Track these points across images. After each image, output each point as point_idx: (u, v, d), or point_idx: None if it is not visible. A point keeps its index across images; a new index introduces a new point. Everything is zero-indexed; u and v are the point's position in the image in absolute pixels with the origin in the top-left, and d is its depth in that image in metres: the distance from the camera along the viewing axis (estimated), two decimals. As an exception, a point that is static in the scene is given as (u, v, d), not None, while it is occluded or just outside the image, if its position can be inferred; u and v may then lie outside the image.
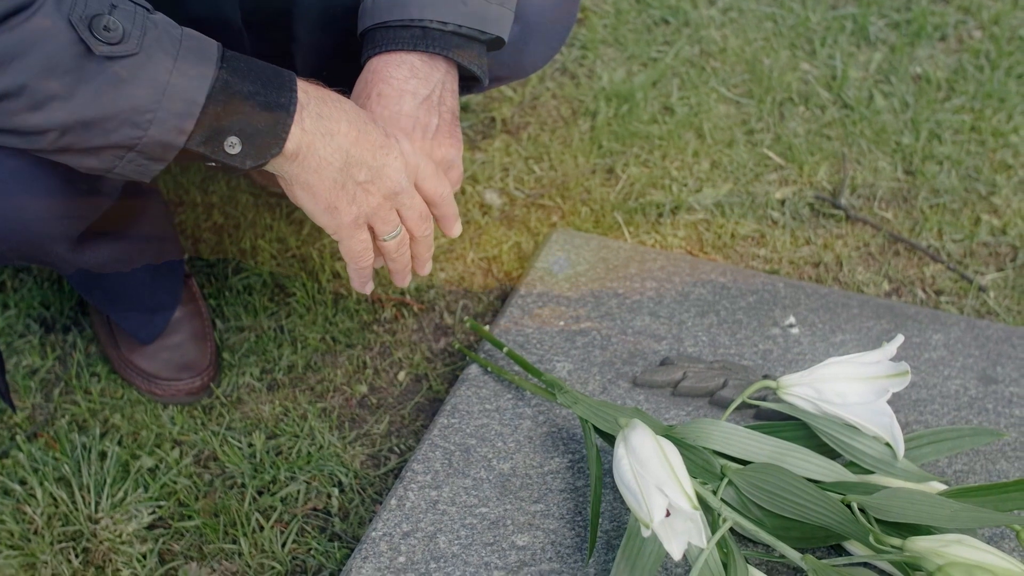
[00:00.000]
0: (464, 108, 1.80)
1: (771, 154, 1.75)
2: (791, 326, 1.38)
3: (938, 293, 1.55)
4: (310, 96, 0.93)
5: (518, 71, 1.24)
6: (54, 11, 0.80)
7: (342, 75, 1.10)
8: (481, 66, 1.06)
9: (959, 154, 1.75)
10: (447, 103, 1.04)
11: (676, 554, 0.95)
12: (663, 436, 1.04)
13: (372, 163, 0.96)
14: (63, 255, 1.04)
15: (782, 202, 1.67)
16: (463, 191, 1.65)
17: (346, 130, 0.94)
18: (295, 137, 0.91)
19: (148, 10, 0.86)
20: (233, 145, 0.89)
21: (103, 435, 1.32)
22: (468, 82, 1.09)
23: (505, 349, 1.28)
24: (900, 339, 1.10)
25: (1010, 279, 1.57)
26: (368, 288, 1.10)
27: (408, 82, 1.01)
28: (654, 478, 0.95)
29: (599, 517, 1.11)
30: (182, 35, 0.87)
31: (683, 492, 0.93)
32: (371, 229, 1.02)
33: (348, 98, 1.05)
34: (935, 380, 1.33)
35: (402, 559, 1.09)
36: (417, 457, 1.19)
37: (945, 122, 1.81)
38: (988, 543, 1.05)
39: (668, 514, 0.94)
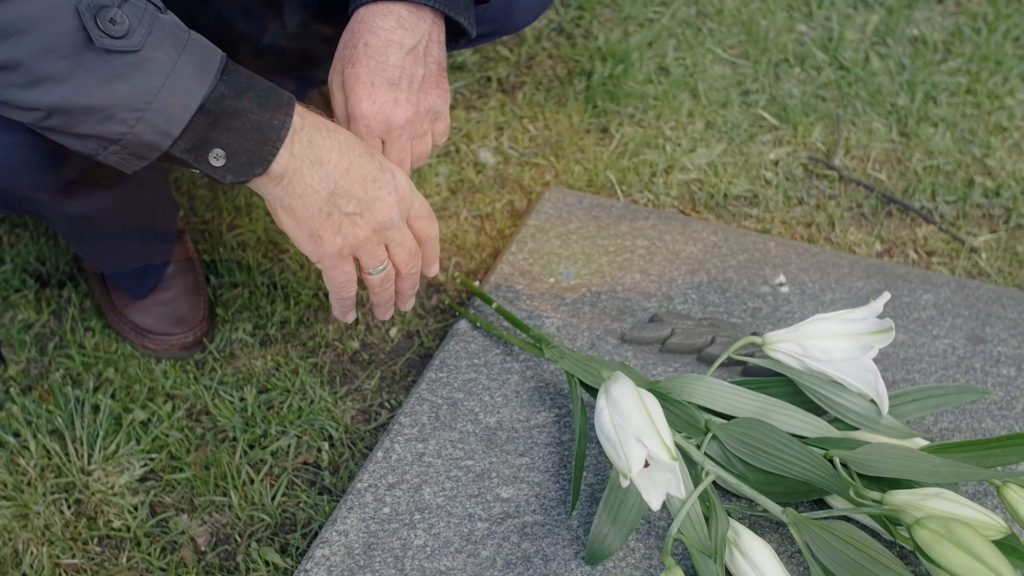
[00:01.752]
0: (460, 67, 1.79)
1: (766, 115, 1.74)
2: (781, 285, 1.38)
3: (930, 254, 1.55)
4: (306, 122, 0.93)
5: (509, 25, 1.23)
6: None
7: (329, 26, 1.10)
8: (468, 18, 1.05)
9: (954, 116, 1.75)
10: (433, 54, 1.04)
11: (655, 505, 0.96)
12: (648, 390, 1.05)
13: (362, 196, 0.96)
14: (47, 203, 1.05)
15: (776, 162, 1.67)
16: (456, 149, 1.65)
17: (337, 160, 0.94)
18: (282, 160, 0.91)
19: (159, 8, 0.85)
20: (218, 157, 0.89)
21: (96, 389, 1.33)
22: (456, 35, 1.09)
23: (494, 304, 1.29)
24: (886, 296, 1.10)
25: (1002, 241, 1.57)
26: (350, 318, 1.11)
27: (395, 32, 1.01)
28: (634, 429, 0.95)
29: (583, 470, 1.12)
30: (188, 40, 0.86)
31: (662, 442, 0.94)
32: (357, 261, 1.02)
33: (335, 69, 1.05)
34: (923, 339, 1.33)
35: (387, 510, 1.10)
36: (404, 410, 1.20)
37: (941, 84, 1.80)
38: (972, 499, 1.05)
39: (647, 465, 0.95)
